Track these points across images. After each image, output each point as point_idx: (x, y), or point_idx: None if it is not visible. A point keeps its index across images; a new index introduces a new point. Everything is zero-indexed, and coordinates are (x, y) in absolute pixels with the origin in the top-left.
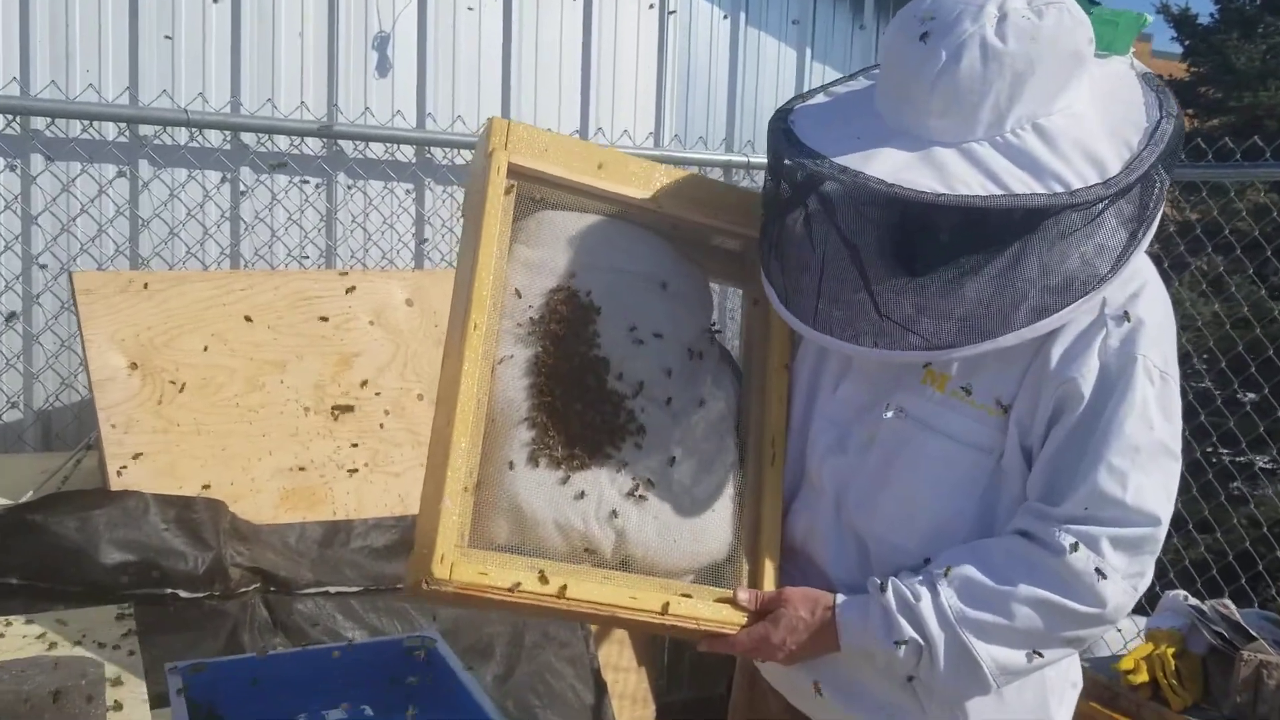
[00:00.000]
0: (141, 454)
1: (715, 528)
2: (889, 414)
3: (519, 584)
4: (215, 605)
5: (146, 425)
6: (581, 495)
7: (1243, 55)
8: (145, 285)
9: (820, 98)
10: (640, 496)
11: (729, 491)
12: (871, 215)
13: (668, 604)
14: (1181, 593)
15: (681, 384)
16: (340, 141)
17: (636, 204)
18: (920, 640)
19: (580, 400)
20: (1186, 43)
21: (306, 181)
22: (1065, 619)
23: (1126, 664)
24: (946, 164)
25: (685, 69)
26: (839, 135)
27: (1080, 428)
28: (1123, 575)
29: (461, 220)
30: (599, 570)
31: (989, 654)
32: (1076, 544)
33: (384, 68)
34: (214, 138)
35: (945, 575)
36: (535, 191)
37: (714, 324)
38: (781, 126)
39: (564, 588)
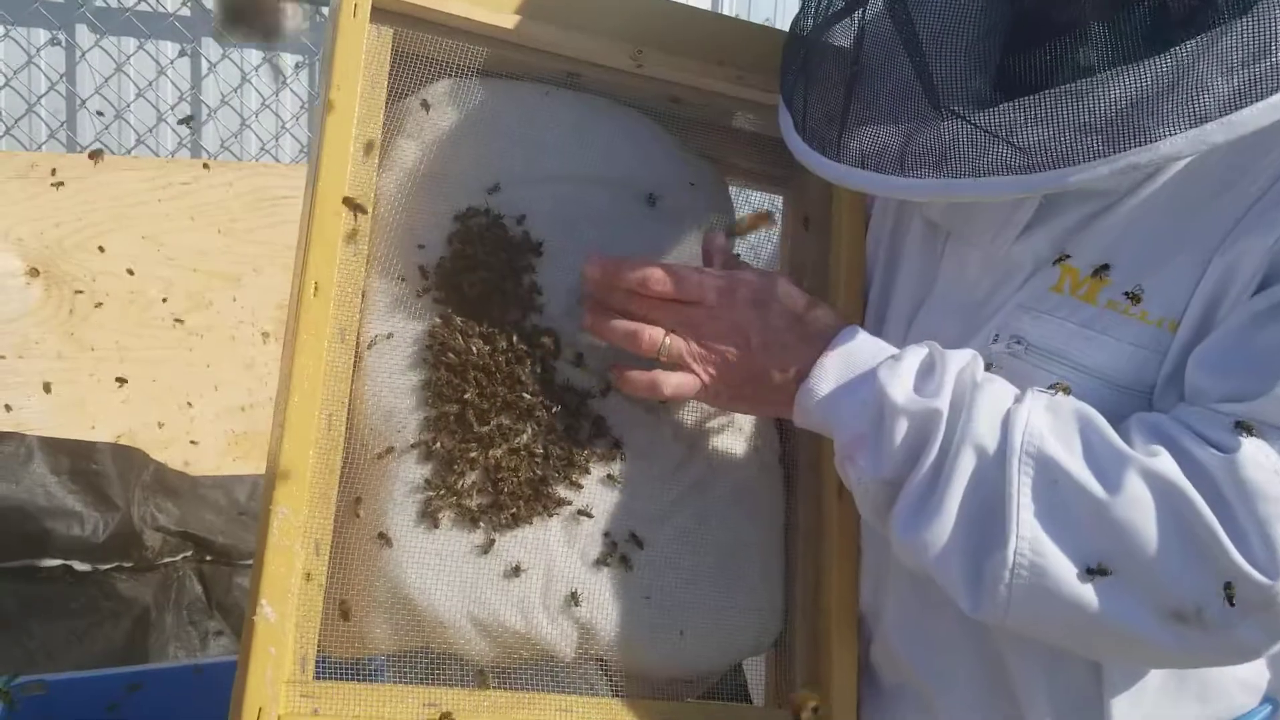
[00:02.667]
0: (41, 384)
1: (746, 603)
2: (997, 345)
3: None
4: (122, 581)
5: (49, 348)
6: (517, 571)
7: None
8: (54, 171)
9: None
10: (621, 562)
11: (770, 540)
12: None
13: None
14: None
15: None
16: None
17: (605, 64)
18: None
19: (512, 406)
20: None
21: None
22: (1196, 550)
23: None
24: None
25: None
26: None
27: None
28: None
29: None
30: (553, 698)
31: (1030, 523)
32: (1251, 428)
33: None
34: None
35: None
36: (431, 47)
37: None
38: None
39: None
